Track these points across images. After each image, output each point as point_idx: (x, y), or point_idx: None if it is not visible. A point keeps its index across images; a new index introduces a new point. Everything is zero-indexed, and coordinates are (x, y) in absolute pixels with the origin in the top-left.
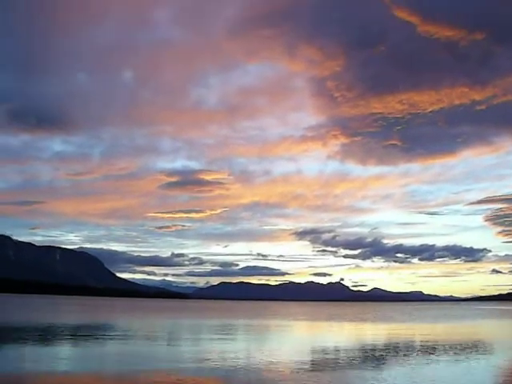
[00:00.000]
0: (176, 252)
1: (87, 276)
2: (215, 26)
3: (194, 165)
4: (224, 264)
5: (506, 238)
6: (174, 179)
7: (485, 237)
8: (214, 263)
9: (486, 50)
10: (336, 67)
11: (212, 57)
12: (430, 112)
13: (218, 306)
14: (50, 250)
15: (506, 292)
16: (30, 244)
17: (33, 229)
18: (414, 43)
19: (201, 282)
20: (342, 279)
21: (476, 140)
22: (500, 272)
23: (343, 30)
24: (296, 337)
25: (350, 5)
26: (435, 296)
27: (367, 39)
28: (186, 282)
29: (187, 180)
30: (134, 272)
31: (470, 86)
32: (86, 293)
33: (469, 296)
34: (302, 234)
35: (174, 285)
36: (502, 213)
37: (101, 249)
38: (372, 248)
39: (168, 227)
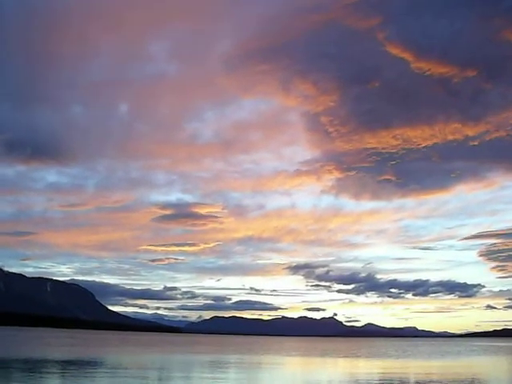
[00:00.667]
0: (168, 285)
1: (78, 308)
2: (210, 61)
3: (188, 198)
4: (217, 298)
5: (500, 274)
6: (167, 212)
7: (479, 272)
8: (206, 297)
9: (478, 87)
10: (330, 102)
11: (207, 91)
12: (424, 147)
13: (210, 340)
14: (41, 282)
15: (500, 328)
16: (20, 275)
17: (24, 260)
18: (408, 79)
19: (193, 316)
20: (336, 314)
21: (469, 175)
22: (495, 308)
23: (338, 66)
24: (289, 374)
25: (345, 41)
26: (429, 332)
27: (361, 75)
28: (178, 316)
29: (181, 213)
30: (126, 305)
31: (463, 122)
32: (77, 326)
33: (463, 332)
34: (295, 269)
35: (166, 318)
36: (495, 248)
37: (93, 281)
38: (366, 283)
39: (161, 260)
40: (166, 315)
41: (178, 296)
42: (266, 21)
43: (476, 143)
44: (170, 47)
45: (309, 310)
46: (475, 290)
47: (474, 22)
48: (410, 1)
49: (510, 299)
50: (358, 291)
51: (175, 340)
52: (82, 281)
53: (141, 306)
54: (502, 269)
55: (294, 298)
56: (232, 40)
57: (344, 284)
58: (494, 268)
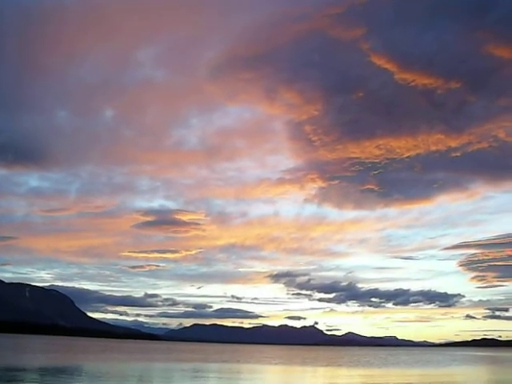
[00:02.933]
0: (149, 292)
1: (57, 315)
2: (197, 68)
3: (171, 205)
4: (198, 306)
5: (480, 284)
6: (150, 218)
7: (459, 282)
8: (187, 304)
9: (462, 99)
10: (314, 111)
11: (193, 98)
12: (407, 157)
13: (191, 348)
14: (19, 287)
15: (479, 338)
16: None
17: (3, 265)
18: (392, 90)
19: (173, 324)
20: (316, 323)
21: (452, 186)
22: (474, 317)
23: (322, 75)
24: (270, 383)
25: (329, 50)
26: (409, 341)
27: (345, 85)
28: (158, 323)
29: (163, 220)
30: (106, 312)
31: (446, 133)
32: (56, 332)
33: (443, 341)
34: (276, 277)
35: (146, 326)
36: (476, 258)
37: (72, 287)
38: (347, 292)
39: (142, 267)
40: (146, 322)
41: (159, 303)
42: (251, 29)
43: (459, 154)
44: (157, 54)
45: (290, 318)
46: (455, 299)
47: (459, 34)
48: (395, 12)
49: (488, 309)
50: (338, 300)
51: (155, 347)
52: (62, 287)
53: (121, 313)
54: (481, 279)
55: (275, 307)
56: (218, 48)
57: (325, 293)
58: (473, 278)
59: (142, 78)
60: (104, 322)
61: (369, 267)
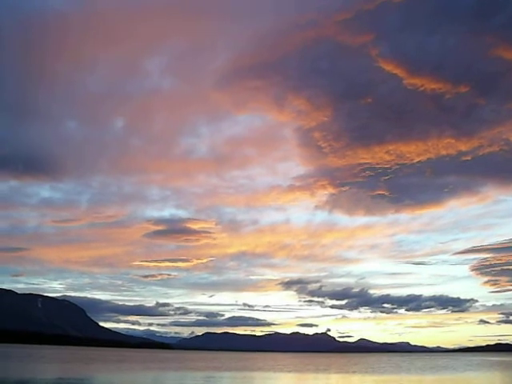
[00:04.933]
0: (161, 301)
1: (69, 325)
2: (205, 77)
3: (181, 213)
4: (209, 314)
5: (493, 288)
6: (161, 228)
7: (472, 287)
8: (199, 313)
9: (471, 103)
10: (323, 118)
11: (202, 107)
12: (418, 162)
13: (203, 356)
14: (31, 298)
15: (493, 343)
16: (10, 291)
17: (15, 276)
18: (401, 95)
19: (185, 332)
20: (329, 330)
21: (463, 190)
22: (488, 322)
23: (331, 82)
24: None
25: (338, 57)
26: (422, 347)
27: (354, 91)
28: (170, 332)
29: (174, 229)
30: (118, 321)
31: (456, 138)
32: (67, 342)
33: (456, 347)
34: (288, 284)
35: (158, 335)
36: (488, 262)
37: (84, 297)
38: (359, 298)
39: (153, 276)
40: (158, 331)
41: (171, 312)
42: (259, 37)
43: (469, 158)
44: (165, 63)
45: (302, 325)
46: (468, 304)
47: (467, 38)
48: (402, 17)
49: (502, 314)
50: (350, 306)
51: (167, 357)
52: (74, 297)
53: (133, 323)
54: (494, 283)
55: (287, 314)
56: (226, 56)
57: (337, 299)
58: (486, 282)
59: (150, 87)
60: (116, 332)
61: (380, 273)
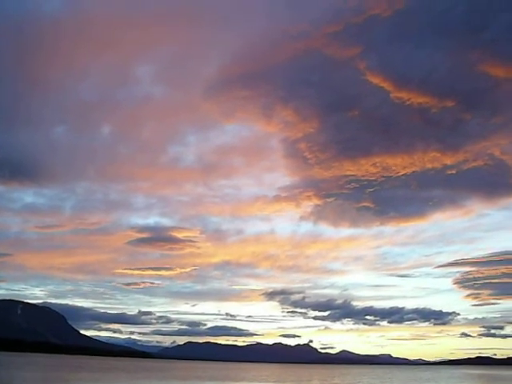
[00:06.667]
0: (143, 310)
1: (49, 332)
2: (194, 85)
3: (166, 222)
4: (192, 323)
5: (475, 301)
6: (145, 235)
7: (454, 300)
8: (181, 322)
9: (457, 117)
10: (310, 129)
11: (191, 115)
12: (403, 175)
13: (184, 366)
14: (12, 305)
15: (474, 356)
16: None
17: None
18: (388, 108)
19: (167, 342)
20: (311, 341)
21: (447, 203)
22: (469, 335)
23: (319, 93)
24: None
25: (326, 69)
26: (404, 359)
27: (342, 103)
28: (152, 341)
29: (158, 237)
30: (100, 329)
31: (442, 151)
32: (48, 350)
33: (438, 360)
34: (271, 295)
35: (140, 343)
36: (471, 276)
37: (66, 304)
38: (342, 310)
39: (136, 284)
40: (139, 340)
41: (153, 321)
42: (249, 47)
43: (454, 172)
44: (155, 70)
45: (284, 336)
46: (450, 317)
47: (454, 53)
48: (390, 31)
49: (484, 327)
50: (333, 318)
51: (148, 366)
52: (55, 304)
53: (114, 331)
54: (476, 296)
55: (270, 325)
56: (215, 65)
57: (320, 311)
58: (469, 296)
59: (140, 95)
60: (97, 340)
61: (364, 285)
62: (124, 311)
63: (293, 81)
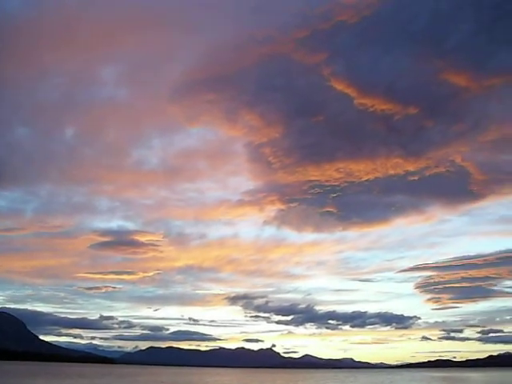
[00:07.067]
0: (105, 314)
1: (7, 339)
2: (159, 88)
3: (129, 225)
4: (154, 328)
5: (436, 305)
6: (107, 239)
7: (415, 304)
8: (143, 327)
9: (420, 124)
10: (275, 134)
11: (155, 118)
12: (366, 181)
13: (146, 371)
14: None
15: (434, 359)
16: None
17: None
18: (352, 114)
19: (129, 347)
20: (274, 345)
21: (409, 209)
22: (429, 339)
23: (284, 99)
24: None
25: (292, 74)
26: (366, 363)
27: (307, 108)
28: (113, 346)
29: (121, 240)
30: (60, 335)
31: (404, 158)
32: (6, 357)
33: (399, 363)
34: (234, 299)
35: (101, 349)
36: (432, 280)
37: (25, 309)
38: (305, 314)
39: (98, 288)
40: (100, 345)
41: (115, 325)
42: (215, 50)
43: (416, 178)
44: (120, 72)
45: (247, 341)
46: (411, 321)
47: (418, 61)
48: (356, 38)
49: (444, 330)
50: (296, 322)
51: (109, 371)
52: (14, 309)
53: (75, 336)
54: (437, 301)
55: (233, 329)
56: (181, 68)
57: (283, 315)
58: (429, 300)
59: (104, 97)
60: (57, 346)
61: (327, 289)
62: (85, 316)
63: (258, 85)
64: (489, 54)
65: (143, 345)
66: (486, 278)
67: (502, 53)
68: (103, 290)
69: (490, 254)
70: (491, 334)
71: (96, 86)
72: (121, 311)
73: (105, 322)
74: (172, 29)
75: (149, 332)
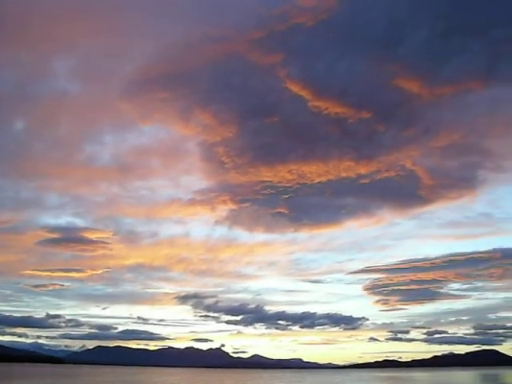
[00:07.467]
0: (51, 313)
1: None
2: (113, 84)
3: (79, 222)
4: (102, 327)
5: (384, 307)
6: (56, 236)
7: (364, 305)
8: (91, 326)
9: (372, 128)
10: (228, 134)
11: (108, 114)
12: (318, 183)
13: (93, 371)
14: None
15: (381, 359)
16: None
17: None
18: (306, 117)
19: (76, 346)
20: (223, 345)
21: (360, 212)
22: (377, 340)
23: (239, 99)
24: None
25: (248, 74)
26: (314, 363)
27: (261, 109)
28: (60, 345)
29: (70, 237)
30: (3, 334)
31: (356, 161)
32: None
33: (347, 363)
34: (184, 299)
35: (47, 348)
36: (380, 282)
37: None
38: (254, 314)
39: (45, 286)
40: (46, 344)
41: (61, 324)
42: (171, 48)
43: (367, 181)
44: (73, 66)
45: (196, 340)
46: (360, 322)
47: (373, 66)
48: (312, 40)
49: (391, 332)
50: (246, 322)
51: (55, 371)
52: None
53: (19, 335)
54: (385, 302)
55: (182, 329)
56: (135, 65)
57: (233, 315)
58: (377, 301)
59: (57, 90)
60: (0, 345)
61: (277, 290)
62: (31, 314)
63: (213, 84)
64: (441, 63)
65: (91, 344)
66: (433, 280)
67: (454, 63)
68: (50, 288)
69: (437, 258)
70: (436, 335)
71: (48, 79)
72: (68, 309)
73: (51, 320)
74: (127, 24)
75: (97, 331)
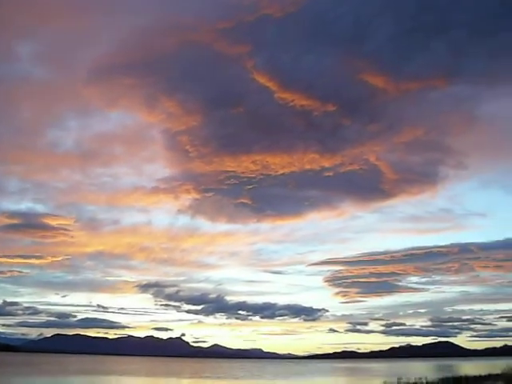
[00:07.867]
0: (9, 300)
1: None
2: (78, 69)
3: (39, 208)
4: (61, 315)
5: (343, 299)
6: (15, 221)
7: (324, 297)
8: (50, 313)
9: (337, 122)
10: (193, 122)
11: (72, 99)
12: (282, 174)
13: (51, 360)
14: None
15: (340, 350)
16: None
17: None
18: (271, 108)
19: (33, 334)
20: (183, 334)
21: (323, 204)
22: (336, 331)
23: (205, 88)
24: None
25: (214, 64)
26: (274, 353)
27: (227, 99)
28: (16, 334)
29: (30, 223)
30: None
31: (321, 154)
32: None
33: (306, 354)
34: (145, 287)
35: (3, 336)
36: (340, 274)
37: None
38: (215, 304)
39: (3, 273)
40: (3, 332)
41: (19, 312)
42: (136, 34)
43: (331, 174)
44: (37, 49)
45: (156, 329)
46: (319, 314)
47: (340, 60)
48: (280, 32)
49: (350, 323)
50: (207, 312)
51: (12, 360)
52: None
53: None
54: (345, 294)
55: (142, 317)
56: (101, 51)
57: (193, 304)
58: (338, 293)
59: (19, 74)
60: None
61: (238, 280)
62: None
63: (179, 73)
64: (406, 60)
65: (49, 332)
66: (392, 273)
67: (419, 60)
68: (8, 275)
69: (398, 251)
70: (394, 327)
71: (10, 62)
72: (26, 297)
73: (8, 307)
74: (94, 9)
75: (55, 319)
